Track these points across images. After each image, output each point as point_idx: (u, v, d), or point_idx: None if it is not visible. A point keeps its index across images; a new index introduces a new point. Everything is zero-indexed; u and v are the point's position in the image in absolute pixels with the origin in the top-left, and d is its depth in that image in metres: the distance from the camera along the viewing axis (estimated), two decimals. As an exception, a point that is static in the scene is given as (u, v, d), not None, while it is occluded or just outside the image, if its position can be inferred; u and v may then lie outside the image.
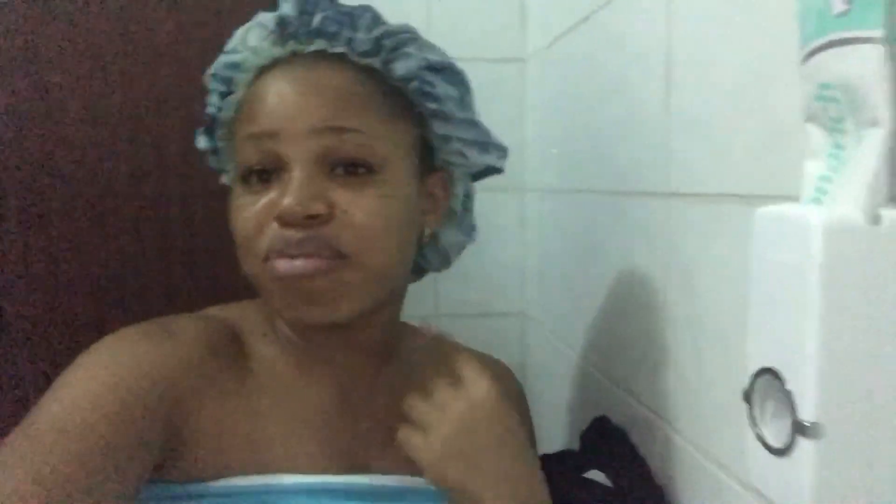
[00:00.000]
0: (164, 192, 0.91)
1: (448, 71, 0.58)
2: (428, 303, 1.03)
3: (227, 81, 0.56)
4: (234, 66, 0.55)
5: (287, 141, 0.50)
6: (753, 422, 0.37)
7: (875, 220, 0.31)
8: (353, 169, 0.52)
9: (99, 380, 0.46)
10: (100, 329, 0.53)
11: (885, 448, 0.32)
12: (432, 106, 0.57)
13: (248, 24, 0.56)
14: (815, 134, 0.35)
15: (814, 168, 0.35)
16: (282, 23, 0.53)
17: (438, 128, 0.58)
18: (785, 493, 0.34)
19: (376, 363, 0.60)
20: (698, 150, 0.52)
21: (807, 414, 0.32)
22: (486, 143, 0.62)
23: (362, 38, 0.54)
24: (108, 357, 0.48)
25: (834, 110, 0.33)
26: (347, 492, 0.53)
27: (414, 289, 1.01)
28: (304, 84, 0.52)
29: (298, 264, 0.49)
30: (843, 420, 0.31)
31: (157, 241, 0.91)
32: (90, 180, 0.89)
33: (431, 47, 0.57)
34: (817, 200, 0.34)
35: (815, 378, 0.31)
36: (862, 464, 0.32)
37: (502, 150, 0.63)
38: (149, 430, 0.46)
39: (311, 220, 0.49)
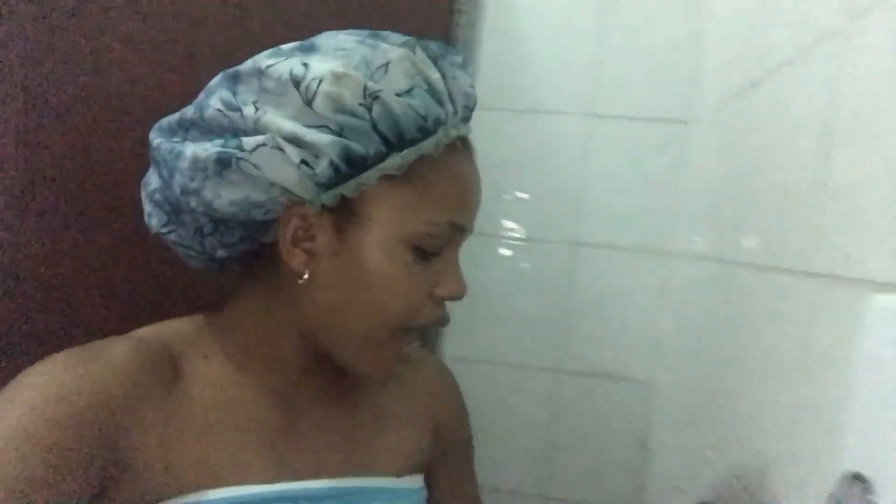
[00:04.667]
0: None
1: None
2: (552, 356, 1.01)
3: (424, 130, 0.52)
4: (438, 121, 0.52)
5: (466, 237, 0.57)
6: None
7: None
8: None
9: (29, 411, 0.44)
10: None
11: None
12: None
13: (448, 71, 0.53)
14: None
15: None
16: (474, 104, 0.57)
17: None
18: None
19: (329, 375, 0.60)
20: (851, 231, 0.48)
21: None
22: None
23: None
24: (39, 387, 0.46)
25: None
26: (303, 497, 0.54)
27: (539, 340, 1.01)
28: (479, 186, 0.57)
29: (415, 347, 0.56)
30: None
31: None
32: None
33: None
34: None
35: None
36: None
37: None
38: (83, 459, 0.45)
39: None
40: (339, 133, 0.49)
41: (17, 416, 0.44)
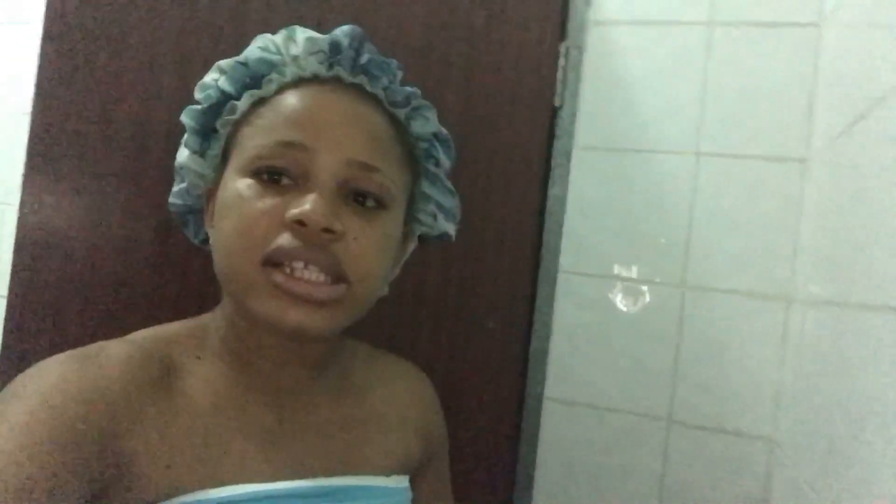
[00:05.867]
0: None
1: (448, 143, 0.65)
2: (662, 405, 0.97)
3: (256, 76, 0.58)
4: (272, 65, 0.58)
5: (321, 161, 0.53)
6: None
7: None
8: (363, 201, 0.55)
9: (31, 411, 0.44)
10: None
11: None
12: (431, 168, 0.63)
13: (288, 33, 0.59)
14: None
15: None
16: (335, 48, 0.58)
17: (426, 187, 0.64)
18: None
19: (314, 373, 0.61)
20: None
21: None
22: (454, 213, 0.67)
23: (396, 89, 0.60)
24: (41, 387, 0.46)
25: None
26: (301, 496, 0.53)
27: (648, 387, 0.97)
28: (349, 115, 0.56)
29: (315, 289, 0.51)
30: None
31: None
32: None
33: (437, 120, 0.63)
34: None
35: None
36: None
37: (458, 223, 0.69)
38: (83, 461, 0.45)
39: (326, 234, 0.51)
40: (198, 104, 0.60)
41: (20, 416, 0.44)
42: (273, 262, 0.51)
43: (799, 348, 0.89)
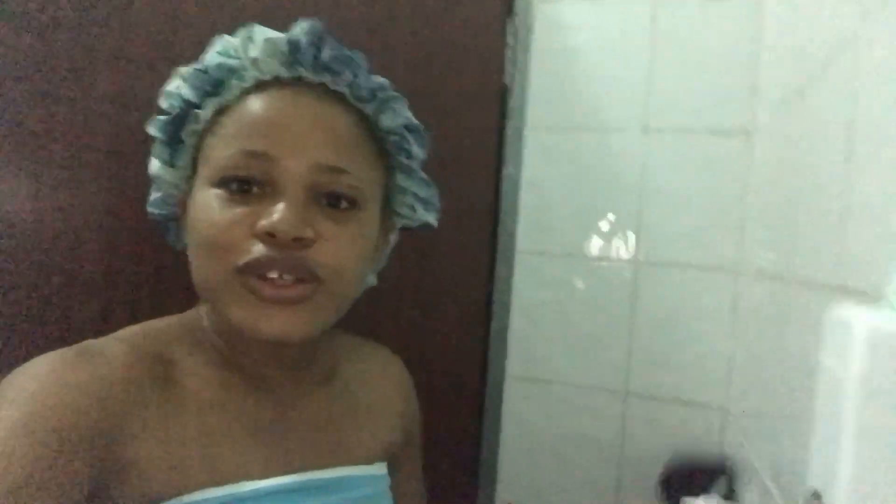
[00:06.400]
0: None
1: (420, 133, 0.63)
2: (618, 378, 0.99)
3: (217, 83, 0.56)
4: (231, 70, 0.56)
5: (287, 168, 0.52)
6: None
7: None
8: (336, 202, 0.55)
9: (30, 410, 0.44)
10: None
11: None
12: (404, 161, 0.62)
13: (246, 34, 0.57)
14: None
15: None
16: (295, 47, 0.55)
17: (401, 180, 0.64)
18: None
19: (300, 370, 0.62)
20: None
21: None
22: (433, 202, 0.66)
23: (362, 84, 0.58)
24: (30, 389, 0.46)
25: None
26: (294, 490, 0.55)
27: (604, 362, 0.99)
28: (311, 118, 0.55)
29: (294, 291, 0.51)
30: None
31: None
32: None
33: (408, 110, 0.62)
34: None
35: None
36: None
37: (439, 211, 0.67)
38: (84, 458, 0.45)
39: (297, 242, 0.51)
40: (163, 113, 0.58)
41: (17, 416, 0.44)
42: (247, 272, 0.51)
43: (747, 320, 0.91)
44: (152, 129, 0.58)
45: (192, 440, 0.52)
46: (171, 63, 0.61)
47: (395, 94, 0.61)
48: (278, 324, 0.51)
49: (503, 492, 1.04)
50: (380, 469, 0.64)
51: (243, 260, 0.51)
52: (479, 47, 0.99)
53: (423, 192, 0.66)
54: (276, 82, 0.56)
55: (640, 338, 0.98)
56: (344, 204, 0.55)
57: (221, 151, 0.54)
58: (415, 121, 0.63)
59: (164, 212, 0.63)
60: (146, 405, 0.50)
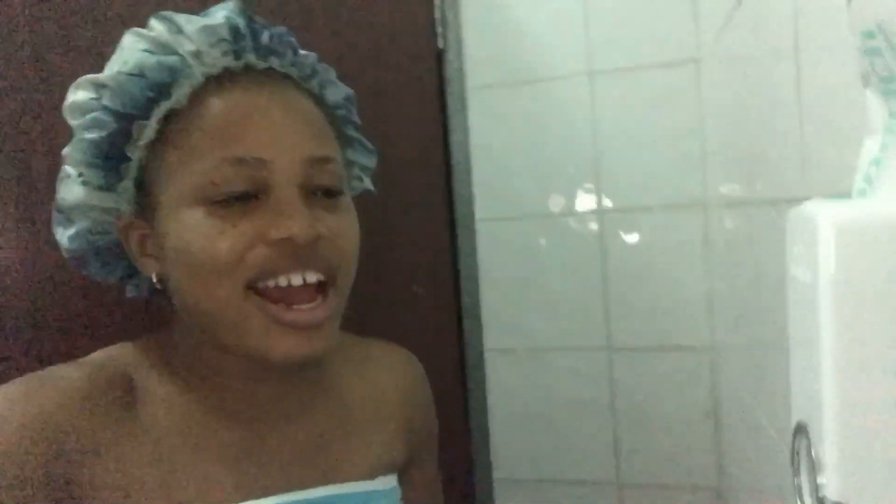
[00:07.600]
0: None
1: (355, 101, 0.60)
2: (598, 335, 0.96)
3: (160, 86, 0.50)
4: (173, 69, 0.50)
5: (279, 169, 0.49)
6: (799, 492, 0.27)
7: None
8: (329, 193, 0.53)
9: None
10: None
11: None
12: (351, 133, 0.60)
13: (169, 25, 0.50)
14: (874, 103, 0.26)
15: (869, 148, 0.25)
16: (236, 33, 0.50)
17: (350, 154, 0.61)
18: None
19: (289, 385, 0.58)
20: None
21: (830, 491, 0.23)
22: (372, 170, 0.64)
23: (300, 61, 0.54)
24: None
25: (881, 66, 0.24)
26: None
27: (583, 319, 0.96)
28: (284, 109, 0.51)
29: (313, 315, 0.50)
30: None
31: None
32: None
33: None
34: (862, 192, 0.24)
35: (835, 444, 0.22)
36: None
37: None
38: (34, 485, 0.44)
39: (315, 242, 0.49)
40: (83, 132, 0.50)
41: None
42: (260, 282, 0.49)
43: (721, 254, 0.87)
44: (75, 154, 0.51)
45: (148, 465, 0.49)
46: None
47: (325, 65, 0.58)
48: (302, 347, 0.50)
49: (500, 467, 1.01)
50: (384, 483, 0.60)
51: (253, 272, 0.48)
52: (407, 14, 0.94)
53: (368, 161, 0.63)
54: (226, 75, 0.51)
55: (615, 290, 0.95)
56: (334, 193, 0.53)
57: (195, 164, 0.49)
58: (350, 90, 0.60)
59: (86, 245, 0.55)
60: (100, 433, 0.48)
